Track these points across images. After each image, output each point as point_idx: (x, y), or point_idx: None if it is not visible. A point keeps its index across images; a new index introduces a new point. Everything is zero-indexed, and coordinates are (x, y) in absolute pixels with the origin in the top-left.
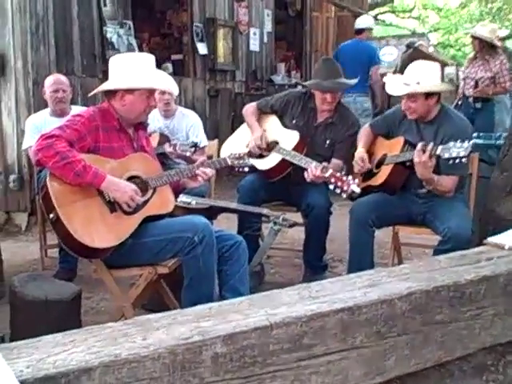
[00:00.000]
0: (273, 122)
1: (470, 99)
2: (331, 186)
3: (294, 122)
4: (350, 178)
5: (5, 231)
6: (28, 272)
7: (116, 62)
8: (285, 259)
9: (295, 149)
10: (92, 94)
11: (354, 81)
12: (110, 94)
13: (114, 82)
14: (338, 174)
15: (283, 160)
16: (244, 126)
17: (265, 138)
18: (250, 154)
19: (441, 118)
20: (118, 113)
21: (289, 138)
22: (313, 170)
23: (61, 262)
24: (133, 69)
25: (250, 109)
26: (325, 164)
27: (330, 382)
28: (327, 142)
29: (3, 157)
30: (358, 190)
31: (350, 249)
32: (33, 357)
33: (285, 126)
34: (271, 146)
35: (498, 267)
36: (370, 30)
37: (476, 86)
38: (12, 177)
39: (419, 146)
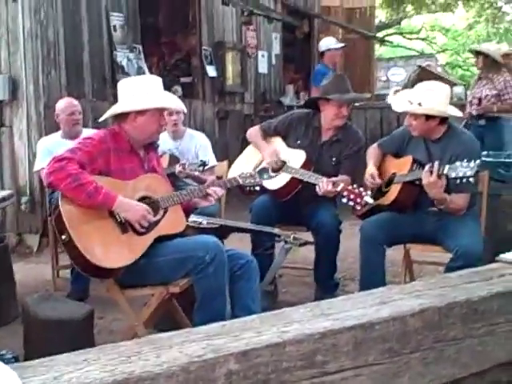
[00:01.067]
0: (277, 143)
1: (481, 120)
2: (344, 200)
3: (298, 142)
4: (362, 189)
5: (16, 253)
6: (40, 293)
7: (125, 86)
8: (296, 278)
9: (303, 167)
10: (104, 118)
11: (367, 95)
12: (121, 116)
13: (125, 104)
14: (350, 187)
15: (293, 178)
16: (250, 149)
17: (276, 153)
18: (262, 173)
19: (448, 137)
20: (129, 134)
21: (296, 158)
22: (324, 184)
23: (73, 283)
24: (142, 91)
25: (253, 132)
26: (335, 178)
27: None
28: (333, 159)
29: (15, 179)
30: (371, 200)
31: (361, 267)
32: (48, 375)
33: (289, 146)
34: (279, 166)
35: (511, 284)
36: (331, 50)
37: (479, 103)
38: (24, 199)
39: (426, 167)
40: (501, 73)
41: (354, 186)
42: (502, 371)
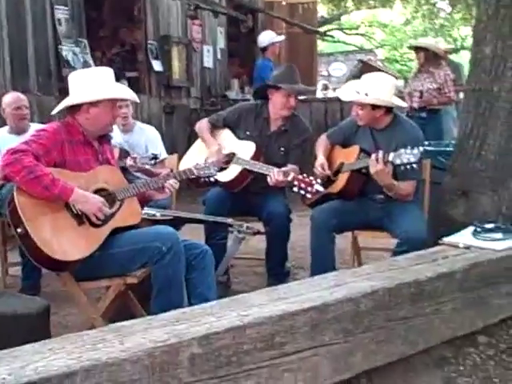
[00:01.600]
0: (227, 135)
1: (422, 113)
2: (295, 189)
3: (247, 133)
4: (312, 178)
5: None
6: None
7: (76, 78)
8: (248, 268)
9: (253, 158)
10: (56, 110)
11: (314, 88)
12: (74, 108)
13: (78, 96)
14: (301, 177)
15: (244, 170)
16: (199, 142)
17: (220, 151)
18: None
19: (394, 126)
20: (83, 126)
21: (245, 149)
22: (275, 174)
23: (24, 279)
24: (94, 82)
25: (202, 124)
26: (285, 168)
27: (302, 379)
28: (281, 149)
29: None
30: (321, 188)
31: (312, 254)
32: (13, 365)
33: (239, 138)
34: (229, 158)
35: (454, 265)
36: (275, 44)
37: (421, 96)
38: None
39: (372, 156)
40: (441, 67)
41: (304, 175)
42: (447, 347)
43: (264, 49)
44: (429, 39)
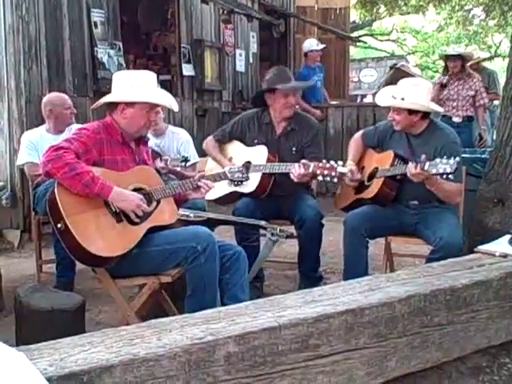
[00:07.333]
0: (236, 146)
1: (455, 118)
2: (320, 178)
3: (255, 141)
4: (333, 162)
5: None
6: (32, 283)
7: (119, 78)
8: (278, 271)
9: (268, 161)
10: (96, 106)
11: (311, 82)
12: (112, 107)
13: (116, 95)
14: (321, 164)
15: (264, 175)
16: (210, 161)
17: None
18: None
19: (430, 132)
20: (121, 127)
21: (258, 154)
22: (296, 169)
23: (58, 276)
24: (134, 84)
25: (209, 143)
26: (303, 161)
27: (335, 382)
28: (293, 149)
29: None
30: (345, 169)
31: (345, 259)
32: (54, 357)
33: (248, 146)
34: (246, 167)
35: (491, 273)
36: (314, 51)
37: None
38: (4, 194)
39: (412, 169)
40: (473, 76)
41: (324, 161)
42: (482, 356)
43: (305, 55)
44: (461, 48)
